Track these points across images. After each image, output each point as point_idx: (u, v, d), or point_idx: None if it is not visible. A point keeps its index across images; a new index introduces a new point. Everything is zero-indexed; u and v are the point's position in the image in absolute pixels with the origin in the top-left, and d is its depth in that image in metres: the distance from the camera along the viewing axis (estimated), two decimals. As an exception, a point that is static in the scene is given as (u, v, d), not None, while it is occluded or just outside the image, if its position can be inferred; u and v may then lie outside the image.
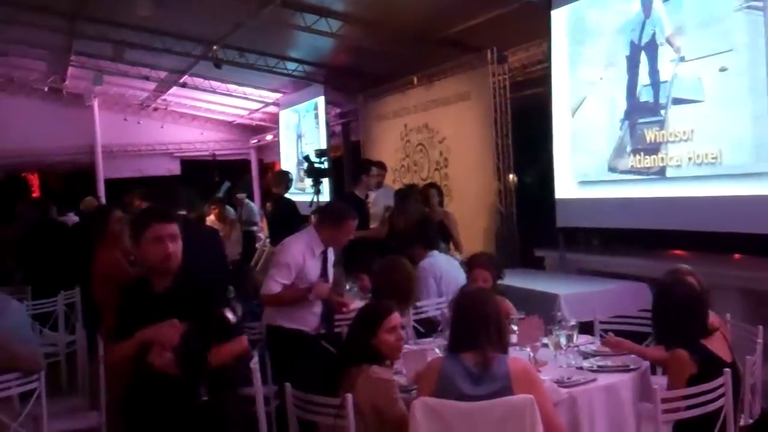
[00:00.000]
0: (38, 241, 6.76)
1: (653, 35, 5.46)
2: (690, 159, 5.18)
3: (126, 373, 2.82)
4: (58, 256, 6.25)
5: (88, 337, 4.42)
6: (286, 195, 7.71)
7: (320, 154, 9.20)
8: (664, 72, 5.37)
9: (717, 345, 3.15)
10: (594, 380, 3.10)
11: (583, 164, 6.32)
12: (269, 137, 15.31)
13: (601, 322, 4.13)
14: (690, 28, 5.14)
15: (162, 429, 2.75)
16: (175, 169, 16.06)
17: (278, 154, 13.85)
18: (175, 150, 16.10)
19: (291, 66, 10.73)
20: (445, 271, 4.97)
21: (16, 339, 3.26)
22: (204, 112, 15.67)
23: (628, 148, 5.75)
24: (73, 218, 8.40)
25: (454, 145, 8.36)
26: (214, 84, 12.71)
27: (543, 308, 4.41)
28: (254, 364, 3.40)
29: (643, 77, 5.57)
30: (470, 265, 4.37)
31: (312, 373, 3.32)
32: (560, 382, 3.04)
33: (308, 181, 9.14)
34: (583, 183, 6.33)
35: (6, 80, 14.09)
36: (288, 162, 13.01)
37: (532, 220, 7.40)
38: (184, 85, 12.93)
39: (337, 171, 11.20)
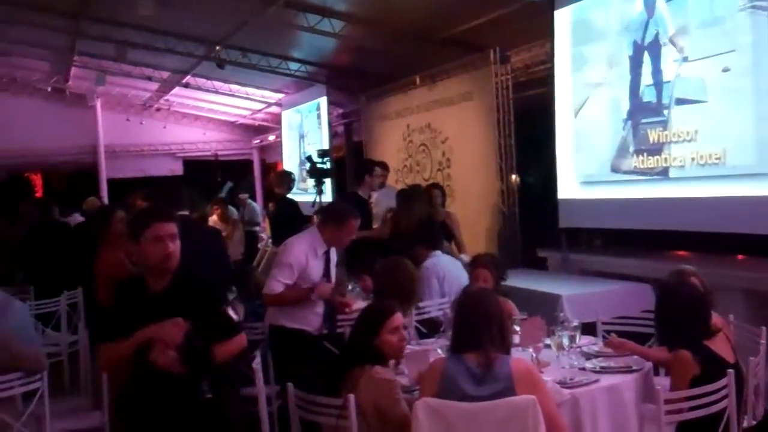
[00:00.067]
0: (41, 241, 6.76)
1: (656, 35, 5.45)
2: (693, 159, 5.17)
3: (123, 373, 2.81)
4: (61, 256, 6.26)
5: (90, 337, 4.42)
6: (289, 195, 7.70)
7: (322, 154, 9.19)
8: (667, 72, 5.36)
9: (720, 346, 3.14)
10: (596, 381, 3.10)
11: (585, 165, 6.31)
12: (272, 137, 15.32)
13: (603, 323, 4.13)
14: (693, 28, 5.13)
15: (164, 427, 2.74)
16: (177, 169, 16.08)
17: (281, 154, 13.85)
18: (177, 150, 16.12)
19: (293, 66, 10.73)
20: (448, 271, 4.97)
21: (19, 339, 3.26)
22: (206, 112, 15.69)
23: (631, 149, 5.74)
24: (77, 218, 8.40)
25: (457, 146, 8.35)
26: (217, 84, 12.72)
27: (545, 309, 4.40)
28: (257, 364, 3.39)
29: (646, 77, 5.56)
30: (473, 265, 4.38)
31: (314, 374, 3.31)
32: (563, 383, 3.03)
33: (310, 182, 9.13)
34: (586, 183, 6.32)
35: (9, 80, 14.12)
36: (290, 162, 13.01)
37: (534, 221, 7.39)
38: (186, 86, 12.94)
39: (340, 171, 11.20)
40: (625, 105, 5.78)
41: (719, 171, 4.98)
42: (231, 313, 2.85)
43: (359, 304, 4.27)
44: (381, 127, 10.23)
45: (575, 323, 3.47)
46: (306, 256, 4.11)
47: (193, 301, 2.73)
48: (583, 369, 3.24)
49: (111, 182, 15.05)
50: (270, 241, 8.68)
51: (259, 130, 16.08)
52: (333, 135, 11.66)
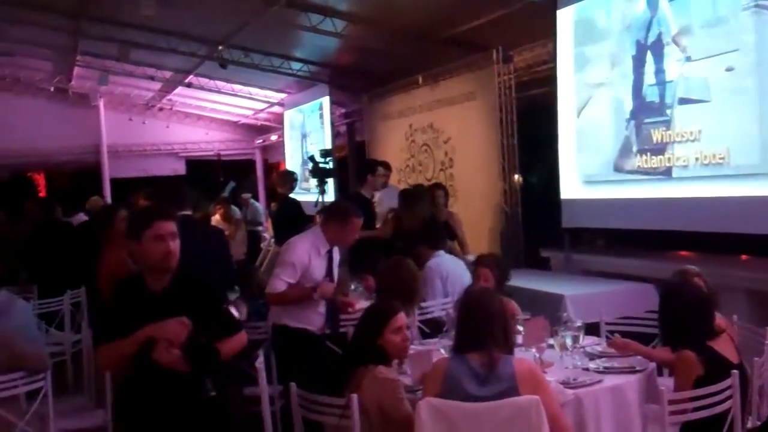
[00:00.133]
0: (44, 240, 6.77)
1: (659, 35, 5.44)
2: (697, 159, 5.16)
3: (123, 373, 2.81)
4: (64, 255, 6.26)
5: (93, 337, 4.42)
6: (291, 195, 7.71)
7: (325, 154, 9.20)
8: (671, 72, 5.35)
9: (724, 346, 3.14)
10: (600, 381, 3.09)
11: (588, 164, 6.30)
12: (274, 137, 15.33)
13: (607, 323, 4.12)
14: (696, 27, 5.12)
15: (168, 426, 2.74)
16: (180, 169, 16.10)
17: (283, 154, 13.86)
18: (180, 150, 16.14)
19: (296, 66, 10.74)
20: (451, 270, 4.97)
21: (23, 338, 3.27)
22: (209, 112, 15.70)
23: (634, 148, 5.74)
24: (82, 217, 8.41)
25: (459, 145, 8.35)
26: (219, 84, 12.73)
27: (548, 309, 4.40)
28: (260, 363, 3.39)
29: (649, 77, 5.55)
30: (475, 264, 4.38)
31: (317, 373, 3.31)
32: (566, 383, 3.03)
33: (313, 181, 9.14)
34: (589, 183, 6.31)
35: (12, 80, 14.15)
36: (293, 162, 13.02)
37: (537, 221, 7.38)
38: (189, 85, 12.95)
39: (342, 171, 11.20)
40: (628, 105, 5.77)
41: (723, 171, 4.97)
42: (233, 311, 2.85)
43: (362, 304, 4.27)
44: (383, 126, 10.23)
45: (578, 323, 3.46)
46: (309, 255, 4.11)
47: (193, 301, 2.73)
48: (587, 369, 3.23)
49: (114, 182, 15.08)
50: (273, 240, 8.68)
51: (262, 129, 16.09)
52: (335, 135, 11.67)
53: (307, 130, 12.38)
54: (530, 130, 7.57)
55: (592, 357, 3.42)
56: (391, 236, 5.95)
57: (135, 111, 15.57)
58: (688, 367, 3.03)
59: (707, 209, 5.12)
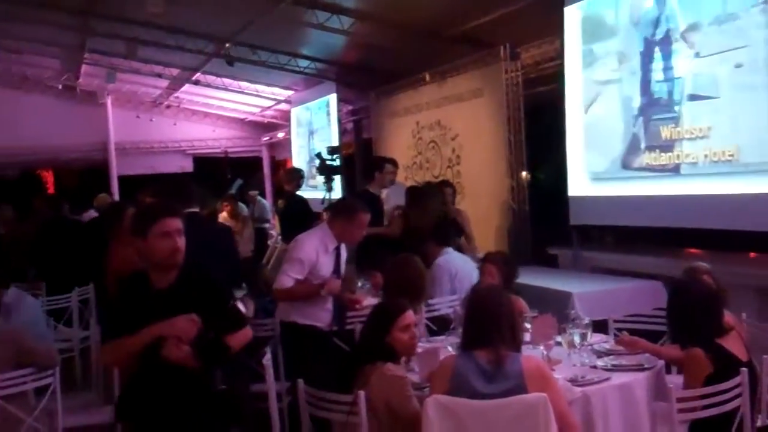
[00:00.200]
0: (53, 237, 6.80)
1: (668, 31, 5.41)
2: (706, 156, 5.13)
3: (128, 370, 2.81)
4: (73, 252, 6.28)
5: (101, 333, 4.43)
6: (298, 192, 7.71)
7: (332, 151, 9.19)
8: (679, 68, 5.33)
9: (733, 344, 3.12)
10: (608, 379, 3.08)
11: (596, 161, 6.28)
12: (281, 134, 15.34)
13: (615, 321, 4.10)
14: (705, 24, 5.09)
15: (177, 420, 2.74)
16: (187, 166, 16.14)
17: (290, 151, 13.88)
18: (187, 147, 16.18)
19: (303, 63, 10.74)
20: (460, 268, 4.97)
21: (31, 335, 3.29)
22: (216, 109, 15.73)
23: (643, 145, 5.71)
24: (92, 214, 8.43)
25: (467, 143, 8.33)
26: (227, 81, 12.75)
27: (556, 306, 4.38)
28: (267, 360, 3.40)
29: (658, 73, 5.52)
30: (483, 261, 4.38)
31: (325, 370, 3.31)
32: (574, 381, 3.02)
33: (320, 179, 9.13)
34: (597, 180, 6.29)
35: (20, 78, 14.20)
36: (300, 159, 13.04)
37: (545, 218, 7.37)
38: (196, 83, 12.98)
39: (349, 168, 11.19)
40: (636, 101, 5.74)
41: (732, 168, 4.94)
42: (240, 307, 2.85)
43: (369, 301, 4.27)
44: (390, 124, 10.22)
45: (586, 321, 3.45)
46: (316, 252, 4.12)
47: (199, 297, 2.73)
48: (595, 367, 3.22)
49: (121, 179, 15.13)
50: (279, 238, 8.69)
51: (269, 127, 16.11)
52: (342, 132, 11.67)
53: (314, 127, 12.38)
54: (538, 127, 7.56)
55: (600, 354, 3.41)
56: (399, 234, 5.94)
57: (142, 108, 15.62)
58: (697, 364, 3.01)
59: (716, 206, 5.10)
